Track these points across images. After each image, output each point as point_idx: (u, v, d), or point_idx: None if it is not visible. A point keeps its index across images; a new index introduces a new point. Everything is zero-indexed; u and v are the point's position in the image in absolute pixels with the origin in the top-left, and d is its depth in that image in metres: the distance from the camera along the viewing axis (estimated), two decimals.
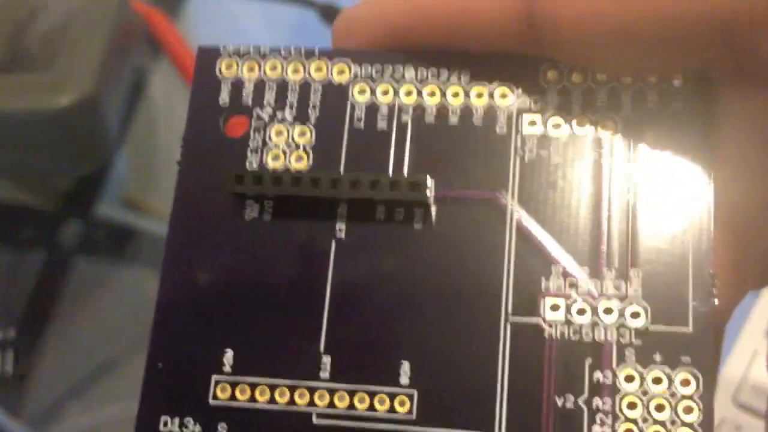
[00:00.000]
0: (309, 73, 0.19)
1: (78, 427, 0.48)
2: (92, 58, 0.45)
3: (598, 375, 0.17)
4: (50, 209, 0.52)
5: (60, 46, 0.46)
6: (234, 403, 0.18)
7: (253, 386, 0.18)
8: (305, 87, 0.19)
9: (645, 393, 0.17)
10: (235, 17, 0.57)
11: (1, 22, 0.47)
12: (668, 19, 0.16)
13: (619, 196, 0.18)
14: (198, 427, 0.18)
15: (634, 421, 0.17)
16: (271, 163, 0.19)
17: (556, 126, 0.18)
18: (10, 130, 0.45)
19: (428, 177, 0.18)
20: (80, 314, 0.50)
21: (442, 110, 0.19)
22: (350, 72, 0.19)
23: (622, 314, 0.17)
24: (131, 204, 0.52)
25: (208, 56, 0.19)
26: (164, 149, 0.54)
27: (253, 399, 0.18)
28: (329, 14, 0.50)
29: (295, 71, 0.19)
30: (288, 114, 0.19)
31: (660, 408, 0.17)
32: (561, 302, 0.17)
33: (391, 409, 0.17)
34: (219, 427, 0.17)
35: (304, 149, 0.19)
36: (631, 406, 0.17)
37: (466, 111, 0.18)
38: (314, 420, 0.17)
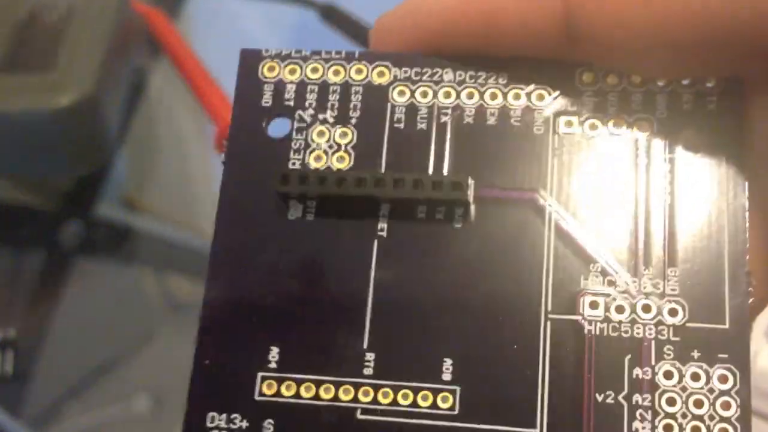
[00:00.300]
0: (350, 75, 0.19)
1: (78, 427, 0.48)
2: (92, 58, 0.46)
3: (637, 371, 0.17)
4: (50, 209, 0.52)
5: (60, 46, 0.46)
6: (280, 399, 0.18)
7: (298, 382, 0.18)
8: (346, 89, 0.19)
9: (684, 389, 0.17)
10: (235, 17, 0.57)
11: (1, 22, 0.47)
12: (703, 24, 0.16)
13: (655, 195, 0.18)
14: (245, 423, 0.18)
15: (674, 417, 0.17)
16: (313, 164, 0.19)
17: (593, 127, 0.19)
18: (10, 130, 0.45)
19: (468, 177, 0.18)
20: (80, 314, 0.50)
21: (481, 111, 0.19)
22: (390, 74, 0.19)
23: (660, 312, 0.17)
24: (131, 204, 0.52)
25: (251, 59, 0.20)
26: (164, 149, 0.54)
27: (298, 395, 0.18)
28: (329, 14, 0.51)
29: (336, 73, 0.19)
30: (329, 115, 0.19)
31: (698, 404, 0.17)
32: (600, 300, 0.18)
33: (434, 405, 0.18)
34: (265, 423, 0.18)
35: (346, 150, 0.19)
36: (671, 401, 0.17)
37: (504, 111, 0.19)
38: (358, 415, 0.18)
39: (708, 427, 0.17)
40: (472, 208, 0.18)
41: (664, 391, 0.17)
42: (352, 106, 0.19)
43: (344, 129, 0.19)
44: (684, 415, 0.17)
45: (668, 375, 0.17)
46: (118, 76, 0.49)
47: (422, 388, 0.18)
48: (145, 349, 0.51)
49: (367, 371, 0.18)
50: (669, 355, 0.17)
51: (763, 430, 0.37)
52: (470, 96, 0.19)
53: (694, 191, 0.18)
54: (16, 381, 0.46)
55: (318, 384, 0.18)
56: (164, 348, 0.51)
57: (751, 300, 0.17)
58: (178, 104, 0.54)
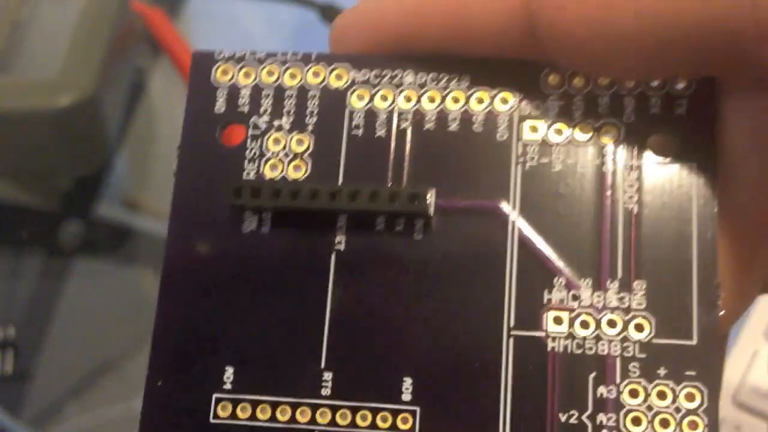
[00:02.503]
0: (306, 79, 0.18)
1: (78, 427, 0.48)
2: (92, 58, 0.45)
3: (602, 390, 0.16)
4: (50, 209, 0.51)
5: (60, 46, 0.46)
6: (235, 422, 0.17)
7: (254, 404, 0.17)
8: (302, 93, 0.18)
9: (650, 408, 0.16)
10: (235, 17, 0.56)
11: (1, 22, 0.47)
12: (673, 25, 0.16)
13: (622, 204, 0.17)
14: None
15: None
16: (269, 173, 0.18)
17: (558, 132, 0.18)
18: (10, 130, 0.44)
19: (429, 188, 0.17)
20: (80, 314, 0.50)
21: (442, 116, 0.18)
22: (348, 77, 0.18)
23: (626, 327, 0.17)
24: (131, 204, 0.52)
25: (203, 62, 0.19)
26: (164, 149, 0.54)
27: (254, 417, 0.17)
28: (329, 14, 0.50)
29: (293, 76, 0.18)
30: (285, 122, 0.18)
31: (665, 423, 0.16)
32: (564, 315, 0.17)
33: (393, 427, 0.17)
34: None
35: (302, 158, 0.18)
36: (636, 421, 0.16)
37: (466, 117, 0.18)
38: None
39: None
40: (434, 219, 0.17)
41: (630, 411, 0.16)
42: (308, 111, 0.18)
43: (300, 136, 0.18)
44: None
45: (634, 393, 0.16)
46: (118, 76, 0.49)
47: (381, 409, 0.17)
48: (145, 349, 0.51)
49: (325, 392, 0.17)
50: (635, 372, 0.16)
51: (762, 429, 0.37)
52: (431, 100, 0.18)
53: (662, 199, 0.17)
54: (16, 381, 0.46)
55: (274, 405, 0.17)
56: None
57: (721, 313, 0.16)
58: (178, 104, 0.53)
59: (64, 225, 0.49)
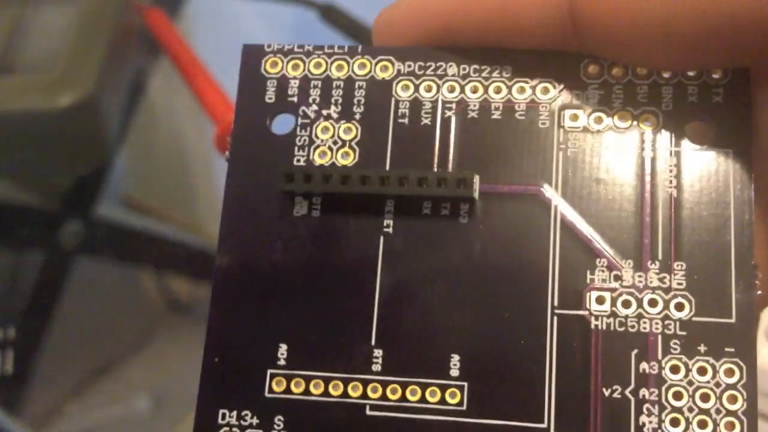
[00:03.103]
0: (353, 70, 0.19)
1: (78, 427, 0.48)
2: (92, 58, 0.46)
3: (644, 366, 0.17)
4: (50, 209, 0.52)
5: (60, 46, 0.46)
6: (289, 396, 0.18)
7: (307, 379, 0.18)
8: (349, 84, 0.19)
9: (690, 383, 0.17)
10: (235, 17, 0.57)
11: (1, 22, 0.47)
12: (710, 16, 0.16)
13: (661, 189, 0.18)
14: (255, 420, 0.18)
15: (680, 411, 0.17)
16: (318, 160, 0.19)
17: (598, 120, 0.18)
18: (10, 130, 0.45)
19: (474, 173, 0.18)
20: (80, 314, 0.50)
21: (485, 105, 0.19)
22: (393, 68, 0.19)
23: (666, 306, 0.17)
24: (131, 204, 0.52)
25: (254, 54, 0.20)
26: (164, 149, 0.54)
27: (307, 392, 0.18)
28: (329, 14, 0.51)
29: (339, 68, 0.19)
30: (333, 111, 0.19)
31: (705, 398, 0.17)
32: (606, 295, 0.18)
33: (442, 401, 0.17)
34: (276, 420, 0.18)
35: (350, 145, 0.19)
36: (677, 396, 0.17)
37: (509, 106, 0.19)
38: (367, 411, 0.18)
39: (714, 421, 0.17)
40: (478, 203, 0.18)
41: (671, 386, 0.17)
42: (355, 101, 0.19)
43: (348, 125, 0.19)
44: (690, 409, 0.17)
45: (675, 369, 0.17)
46: (118, 76, 0.49)
47: (430, 384, 0.18)
48: (145, 349, 0.51)
49: (376, 368, 0.18)
50: (675, 349, 0.17)
51: (763, 429, 0.37)
52: (474, 90, 0.19)
53: (700, 184, 0.18)
54: (16, 381, 0.46)
55: (327, 381, 0.18)
56: (164, 348, 0.51)
57: (758, 293, 0.17)
58: (178, 104, 0.54)
59: (64, 225, 0.50)
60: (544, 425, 0.17)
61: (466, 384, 0.17)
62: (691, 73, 0.18)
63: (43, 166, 0.48)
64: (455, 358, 0.18)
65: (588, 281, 0.18)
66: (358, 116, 0.19)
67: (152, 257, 0.51)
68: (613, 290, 0.18)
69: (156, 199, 0.52)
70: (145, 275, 0.52)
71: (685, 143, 0.18)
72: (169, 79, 0.53)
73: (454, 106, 0.19)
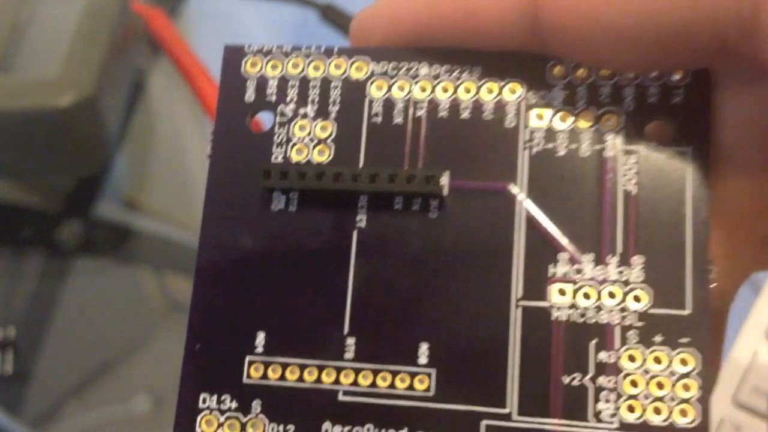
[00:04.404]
0: (329, 71, 0.21)
1: (78, 427, 0.49)
2: (92, 58, 0.47)
3: (602, 355, 0.18)
4: (50, 209, 0.53)
5: (60, 46, 0.47)
6: (266, 382, 0.19)
7: (283, 366, 0.19)
8: (326, 83, 0.21)
9: (646, 372, 0.18)
10: (235, 17, 0.58)
11: (1, 22, 0.48)
12: (665, 22, 0.17)
13: (621, 186, 0.19)
14: (234, 404, 0.19)
15: (636, 398, 0.18)
16: (295, 157, 0.20)
17: (563, 119, 0.20)
18: (10, 130, 0.46)
19: (442, 171, 0.19)
20: (80, 314, 0.51)
21: (455, 105, 0.20)
22: (368, 68, 0.21)
23: (624, 298, 0.19)
24: (131, 204, 0.53)
25: (234, 55, 0.21)
26: (164, 149, 0.55)
27: (283, 378, 0.19)
28: (329, 14, 0.52)
29: (316, 68, 0.21)
30: (310, 110, 0.20)
31: (660, 386, 0.18)
32: (568, 287, 0.19)
33: (411, 387, 0.19)
34: (253, 404, 0.19)
35: (326, 143, 0.20)
36: (633, 384, 0.18)
37: (477, 106, 0.20)
38: (340, 397, 0.19)
39: (668, 407, 0.18)
40: (447, 199, 0.20)
41: (628, 374, 0.18)
42: (331, 100, 0.21)
43: (324, 123, 0.20)
44: (646, 397, 0.18)
45: (631, 358, 0.18)
46: (118, 76, 0.50)
47: (400, 371, 0.19)
48: (145, 349, 0.52)
49: (348, 355, 0.19)
50: (633, 339, 0.18)
51: (762, 429, 0.38)
52: (445, 90, 0.20)
53: (659, 182, 0.19)
54: (16, 381, 0.47)
55: (302, 367, 0.19)
56: (164, 348, 0.52)
57: (712, 285, 0.18)
58: (178, 104, 0.55)
59: (64, 225, 0.51)
60: (507, 410, 0.18)
61: (434, 371, 0.19)
62: (652, 75, 0.20)
63: (43, 166, 0.49)
64: (424, 347, 0.19)
65: (550, 274, 0.19)
66: (333, 115, 0.20)
67: (152, 257, 0.52)
68: (574, 283, 0.19)
69: (156, 199, 0.53)
70: (145, 275, 0.53)
71: (646, 142, 0.19)
72: (169, 79, 0.54)
73: (425, 105, 0.20)
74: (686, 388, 0.18)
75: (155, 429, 0.50)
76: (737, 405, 0.38)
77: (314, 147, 0.20)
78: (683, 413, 0.18)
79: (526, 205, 0.19)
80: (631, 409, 0.18)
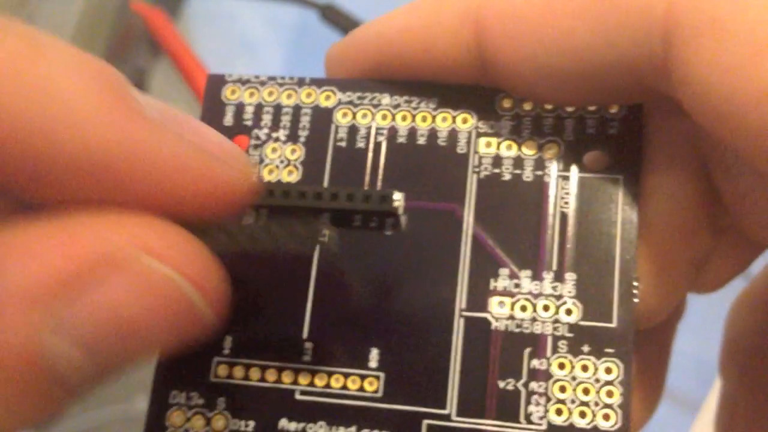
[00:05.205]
0: (300, 99, 0.24)
1: (78, 427, 0.51)
2: None
3: (535, 362, 0.21)
4: None
5: None
6: (231, 381, 0.22)
7: (247, 367, 0.22)
8: (297, 110, 0.24)
9: (574, 378, 0.21)
10: (235, 17, 0.60)
11: None
12: (586, 63, 0.20)
13: (558, 209, 0.22)
14: (201, 401, 0.22)
15: (564, 402, 0.21)
16: (266, 176, 0.23)
17: (509, 147, 0.22)
18: None
19: (396, 191, 0.22)
20: None
21: (412, 132, 0.23)
22: (335, 97, 0.23)
23: (557, 311, 0.21)
24: None
25: (216, 82, 0.24)
26: None
27: (247, 377, 0.22)
28: (329, 14, 0.54)
29: (289, 96, 0.24)
30: (282, 134, 0.23)
31: (586, 391, 0.21)
32: (507, 300, 0.22)
33: (361, 389, 0.22)
34: (218, 400, 0.22)
35: (295, 165, 0.23)
36: (562, 389, 0.21)
37: (433, 133, 0.23)
38: (297, 396, 0.22)
39: (593, 412, 0.21)
40: (403, 217, 0.22)
41: (557, 380, 0.21)
42: (301, 125, 0.23)
43: (294, 146, 0.23)
44: (573, 401, 0.21)
45: (561, 366, 0.21)
46: None
47: (351, 374, 0.22)
48: None
49: (306, 358, 0.22)
50: (563, 348, 0.21)
51: None
52: (404, 119, 0.23)
53: (593, 206, 0.22)
54: None
55: (263, 368, 0.22)
56: None
57: (635, 300, 0.21)
58: (178, 104, 0.57)
59: None
60: (447, 411, 0.21)
61: (382, 374, 0.22)
62: (591, 108, 0.22)
63: None
64: (374, 352, 0.22)
65: (492, 288, 0.22)
66: (303, 139, 0.23)
67: None
68: (512, 295, 0.22)
69: None
70: None
71: (583, 169, 0.22)
72: (169, 79, 0.56)
73: (385, 132, 0.23)
74: (610, 394, 0.21)
75: None
76: None
77: (284, 168, 0.23)
78: (606, 417, 0.21)
79: (472, 224, 0.22)
80: (559, 412, 0.21)
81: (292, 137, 0.23)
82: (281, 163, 0.23)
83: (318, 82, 0.24)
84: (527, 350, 0.21)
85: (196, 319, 0.18)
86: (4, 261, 0.16)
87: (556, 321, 0.21)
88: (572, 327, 0.21)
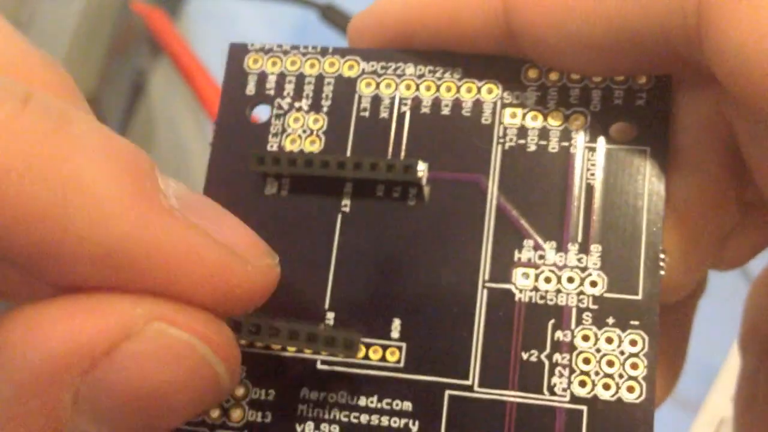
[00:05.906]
0: (323, 68, 0.24)
1: None
2: (92, 58, 0.49)
3: (558, 334, 0.21)
4: None
5: (60, 46, 0.50)
6: (252, 350, 0.22)
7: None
8: (319, 80, 0.24)
9: (598, 351, 0.21)
10: (235, 17, 0.60)
11: None
12: (618, 31, 0.20)
13: (584, 180, 0.22)
14: None
15: (588, 374, 0.21)
16: (288, 146, 0.24)
17: (534, 118, 0.23)
18: None
19: (420, 161, 0.22)
20: None
21: (436, 102, 0.23)
22: (359, 67, 0.24)
23: (582, 283, 0.22)
24: None
25: (238, 51, 0.24)
26: (164, 149, 0.58)
27: (268, 347, 0.22)
28: (329, 14, 0.55)
29: (312, 66, 0.24)
30: (305, 104, 0.24)
31: (610, 363, 0.21)
32: (530, 272, 0.22)
33: (383, 359, 0.22)
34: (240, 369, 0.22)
35: (317, 134, 0.24)
36: (586, 361, 0.21)
37: (457, 103, 0.23)
38: (318, 366, 0.22)
39: (617, 384, 0.21)
40: (426, 188, 0.23)
41: (581, 352, 0.21)
42: (324, 95, 0.24)
43: (317, 116, 0.24)
44: (597, 373, 0.21)
45: (585, 338, 0.21)
46: (118, 76, 0.53)
47: (373, 344, 0.22)
48: None
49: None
50: (587, 320, 0.21)
51: None
52: (428, 89, 0.23)
53: (619, 177, 0.22)
54: None
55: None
56: None
57: (661, 273, 0.21)
58: (178, 104, 0.57)
59: None
60: (469, 382, 0.21)
61: (404, 345, 0.22)
62: (618, 78, 0.23)
63: None
64: (397, 322, 0.22)
65: (516, 259, 0.22)
66: (325, 109, 0.24)
67: None
68: (536, 267, 0.22)
69: None
70: None
71: (609, 140, 0.22)
72: (169, 79, 0.57)
73: (409, 102, 0.23)
74: (634, 366, 0.21)
75: None
76: None
77: (306, 138, 0.24)
78: (630, 389, 0.21)
79: (497, 195, 0.22)
80: (582, 384, 0.21)
81: (315, 107, 0.24)
82: (303, 132, 0.24)
83: (341, 52, 0.24)
84: (551, 322, 0.22)
85: (218, 386, 0.18)
86: (25, 338, 0.16)
87: (581, 293, 0.22)
88: (597, 299, 0.22)
